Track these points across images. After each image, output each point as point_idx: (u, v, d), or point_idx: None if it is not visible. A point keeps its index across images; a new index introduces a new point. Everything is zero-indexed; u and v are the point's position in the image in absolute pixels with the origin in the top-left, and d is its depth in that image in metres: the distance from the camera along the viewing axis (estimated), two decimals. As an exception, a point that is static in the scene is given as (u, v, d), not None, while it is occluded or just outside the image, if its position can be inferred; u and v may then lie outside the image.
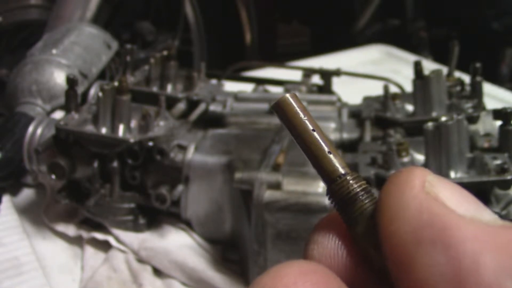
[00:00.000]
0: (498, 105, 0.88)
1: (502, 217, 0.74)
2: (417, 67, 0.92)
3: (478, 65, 0.95)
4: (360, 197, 0.28)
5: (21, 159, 1.00)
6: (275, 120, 1.03)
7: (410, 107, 0.97)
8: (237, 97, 1.12)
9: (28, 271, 0.93)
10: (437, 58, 2.00)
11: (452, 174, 0.74)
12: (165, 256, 0.92)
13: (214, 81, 1.23)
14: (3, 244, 0.98)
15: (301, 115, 0.29)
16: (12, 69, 1.25)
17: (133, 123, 0.94)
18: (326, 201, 0.79)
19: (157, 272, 0.93)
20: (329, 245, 0.29)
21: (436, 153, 0.74)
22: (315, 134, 0.29)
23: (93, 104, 0.96)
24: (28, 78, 1.18)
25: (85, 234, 0.98)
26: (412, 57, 1.79)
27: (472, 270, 0.22)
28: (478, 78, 0.95)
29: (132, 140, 0.90)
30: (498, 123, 0.82)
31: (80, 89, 1.09)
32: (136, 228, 0.97)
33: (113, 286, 0.89)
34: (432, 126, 0.74)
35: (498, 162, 0.75)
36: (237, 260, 0.93)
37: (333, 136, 0.98)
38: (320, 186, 0.82)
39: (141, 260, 0.93)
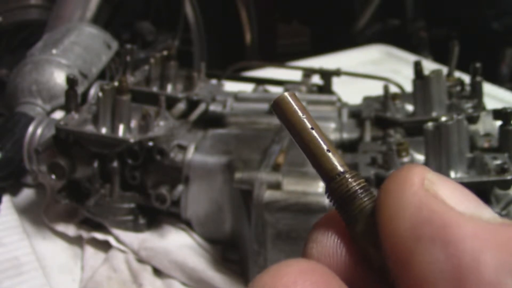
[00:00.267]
0: (498, 105, 0.88)
1: (502, 217, 0.74)
2: (417, 67, 0.92)
3: (478, 65, 0.95)
4: (359, 195, 0.28)
5: (21, 159, 1.00)
6: (275, 120, 1.03)
7: (410, 107, 0.97)
8: (237, 97, 1.12)
9: (28, 271, 0.93)
10: (437, 58, 2.00)
11: (452, 174, 0.74)
12: (165, 256, 0.92)
13: (214, 81, 1.23)
14: (3, 244, 0.98)
15: (300, 113, 0.29)
16: (12, 69, 1.25)
17: (133, 123, 0.94)
18: (326, 201, 0.79)
19: (157, 272, 0.93)
20: (328, 243, 0.29)
21: (436, 153, 0.74)
22: (314, 132, 0.29)
23: (93, 104, 0.96)
24: (28, 78, 1.18)
25: (85, 234, 0.98)
26: (412, 57, 1.79)
27: (472, 268, 0.22)
28: (478, 78, 0.95)
29: (132, 140, 0.90)
30: (498, 123, 0.82)
31: (80, 89, 1.09)
32: (136, 228, 0.97)
33: (113, 286, 0.89)
34: (432, 126, 0.74)
35: (498, 162, 0.75)
36: (237, 260, 0.93)
37: (333, 136, 0.98)
38: (320, 186, 0.82)
39: (141, 260, 0.93)
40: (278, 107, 0.29)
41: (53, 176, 0.91)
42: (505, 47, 2.26)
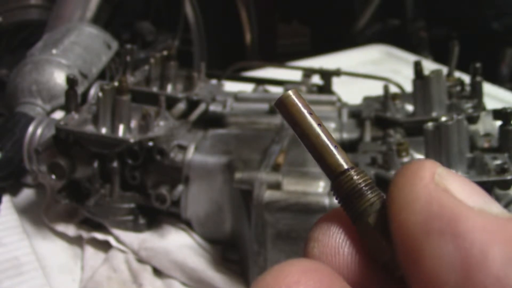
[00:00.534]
0: (498, 105, 0.88)
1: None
2: (417, 67, 0.92)
3: (478, 65, 0.95)
4: (366, 191, 0.28)
5: (21, 159, 1.00)
6: (275, 120, 1.04)
7: (410, 107, 0.97)
8: (237, 97, 1.12)
9: (28, 271, 0.93)
10: (437, 58, 2.00)
11: (452, 174, 0.74)
12: (165, 256, 0.92)
13: (214, 81, 1.23)
14: (3, 244, 0.98)
15: (304, 111, 0.29)
16: (12, 69, 1.25)
17: (133, 123, 0.94)
18: (326, 201, 0.79)
19: (157, 272, 0.93)
20: (329, 243, 0.29)
21: (436, 153, 0.74)
22: (319, 129, 0.29)
23: (93, 104, 0.96)
24: (28, 78, 1.18)
25: (85, 234, 0.98)
26: (412, 57, 1.79)
27: (480, 260, 0.23)
28: (478, 78, 0.95)
29: (132, 140, 0.90)
30: (498, 123, 0.82)
31: (80, 89, 1.09)
32: (136, 228, 0.97)
33: (113, 286, 0.89)
34: (432, 126, 0.74)
35: (498, 162, 0.75)
36: (237, 260, 0.93)
37: (333, 136, 0.97)
38: (320, 186, 0.82)
39: (141, 260, 0.93)
40: (282, 105, 0.29)
41: (53, 176, 0.91)
42: (505, 47, 2.26)
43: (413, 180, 0.26)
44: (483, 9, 2.30)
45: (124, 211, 0.96)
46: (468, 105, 0.91)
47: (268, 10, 2.73)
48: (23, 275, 0.92)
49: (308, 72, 1.27)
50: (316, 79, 1.28)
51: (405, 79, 1.19)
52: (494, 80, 1.74)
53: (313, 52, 1.99)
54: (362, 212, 0.28)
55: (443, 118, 0.74)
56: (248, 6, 2.32)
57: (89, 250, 0.97)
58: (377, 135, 0.94)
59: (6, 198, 1.09)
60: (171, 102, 1.05)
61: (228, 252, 0.94)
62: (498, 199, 0.77)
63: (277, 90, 1.32)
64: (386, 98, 0.98)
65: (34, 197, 1.12)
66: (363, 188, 0.29)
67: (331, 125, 1.00)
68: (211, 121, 1.06)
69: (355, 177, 0.29)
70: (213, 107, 1.08)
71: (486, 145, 0.82)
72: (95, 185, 0.93)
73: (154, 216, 0.99)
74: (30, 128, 0.99)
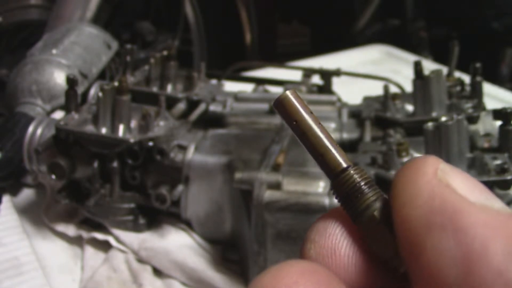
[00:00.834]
0: (498, 105, 0.88)
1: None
2: (417, 67, 0.92)
3: (478, 65, 0.95)
4: (367, 189, 0.29)
5: (21, 159, 1.00)
6: (275, 120, 1.04)
7: (410, 107, 0.97)
8: (237, 97, 1.12)
9: (28, 271, 0.93)
10: (437, 58, 2.00)
11: (452, 174, 0.74)
12: (165, 256, 0.92)
13: (214, 81, 1.23)
14: (3, 244, 0.98)
15: (302, 111, 0.29)
16: (12, 69, 1.25)
17: (133, 123, 0.94)
18: (326, 201, 0.79)
19: (157, 272, 0.93)
20: (326, 244, 0.29)
21: (436, 153, 0.74)
22: (317, 129, 0.29)
23: (93, 104, 0.96)
24: (28, 78, 1.18)
25: (85, 234, 0.98)
26: (412, 57, 1.79)
27: (481, 255, 0.23)
28: (478, 78, 0.95)
29: (132, 140, 0.90)
30: (498, 123, 0.82)
31: (80, 89, 1.09)
32: (136, 228, 0.97)
33: (113, 286, 0.89)
34: (432, 126, 0.74)
35: (498, 162, 0.75)
36: (237, 260, 0.93)
37: (333, 136, 0.97)
38: (320, 186, 0.82)
39: (141, 260, 0.93)
40: (280, 105, 0.30)
41: (53, 176, 0.91)
42: (505, 47, 2.26)
43: (416, 176, 0.26)
44: (483, 9, 2.30)
45: (124, 211, 0.96)
46: (468, 105, 0.91)
47: (268, 10, 2.73)
48: (23, 275, 0.92)
49: (308, 72, 1.27)
50: (316, 79, 1.28)
51: (405, 79, 1.19)
52: (494, 80, 1.74)
53: (313, 52, 1.99)
54: (364, 209, 0.28)
55: (443, 118, 0.74)
56: (248, 6, 2.32)
57: (89, 250, 0.97)
58: (377, 135, 0.94)
59: (6, 198, 1.09)
60: (171, 102, 1.05)
61: (228, 252, 0.94)
62: (498, 199, 0.77)
63: (277, 90, 1.32)
64: (386, 98, 0.98)
65: (34, 197, 1.12)
66: (364, 185, 0.29)
67: (331, 125, 1.00)
68: (211, 121, 1.06)
69: (355, 175, 0.29)
70: (213, 107, 1.08)
71: (486, 145, 0.82)
72: (95, 185, 0.93)
73: (154, 216, 0.99)
74: (30, 128, 0.99)
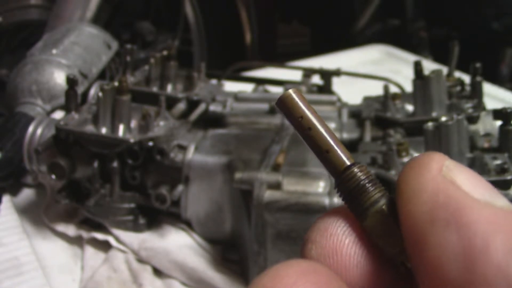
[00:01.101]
0: (498, 105, 0.88)
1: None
2: (417, 67, 0.92)
3: (478, 65, 0.95)
4: (371, 186, 0.29)
5: (21, 159, 1.00)
6: (275, 120, 1.04)
7: (410, 107, 0.97)
8: (237, 97, 1.12)
9: (28, 271, 0.93)
10: (437, 58, 2.00)
11: (452, 174, 0.74)
12: (165, 256, 0.92)
13: (214, 81, 1.23)
14: (3, 244, 0.98)
15: (305, 109, 0.29)
16: (12, 69, 1.25)
17: (133, 123, 0.94)
18: (326, 201, 0.79)
19: (157, 272, 0.93)
20: (327, 244, 0.29)
21: (436, 153, 0.74)
22: (321, 128, 0.29)
23: (93, 104, 0.96)
24: (28, 78, 1.18)
25: (85, 234, 0.98)
26: (412, 57, 1.79)
27: (483, 250, 0.23)
28: (478, 78, 0.95)
29: (132, 140, 0.90)
30: (498, 123, 0.82)
31: (80, 89, 1.09)
32: (136, 228, 0.97)
33: (113, 286, 0.89)
34: (432, 126, 0.74)
35: (498, 162, 0.75)
36: (237, 260, 0.93)
37: (333, 136, 0.97)
38: (320, 186, 0.82)
39: (141, 260, 0.93)
40: (283, 104, 0.30)
41: (53, 176, 0.91)
42: (505, 47, 2.26)
43: (421, 172, 0.26)
44: (483, 9, 2.30)
45: (124, 211, 0.96)
46: (468, 105, 0.91)
47: (268, 10, 2.73)
48: (23, 275, 0.92)
49: (308, 72, 1.27)
50: (316, 79, 1.28)
51: (405, 79, 1.19)
52: (494, 80, 1.75)
53: (313, 52, 1.99)
54: (370, 205, 0.28)
55: (443, 118, 0.74)
56: (248, 6, 2.32)
57: (89, 250, 0.97)
58: (377, 135, 0.94)
59: (6, 198, 1.09)
60: (171, 102, 1.05)
61: (228, 252, 0.94)
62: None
63: (277, 90, 1.32)
64: (386, 98, 0.98)
65: (34, 197, 1.12)
66: (369, 183, 0.29)
67: (331, 125, 1.00)
68: (211, 121, 1.06)
69: (359, 173, 0.29)
70: (213, 107, 1.08)
71: (486, 145, 0.82)
72: (95, 185, 0.93)
73: (154, 216, 0.99)
74: (30, 128, 0.99)
